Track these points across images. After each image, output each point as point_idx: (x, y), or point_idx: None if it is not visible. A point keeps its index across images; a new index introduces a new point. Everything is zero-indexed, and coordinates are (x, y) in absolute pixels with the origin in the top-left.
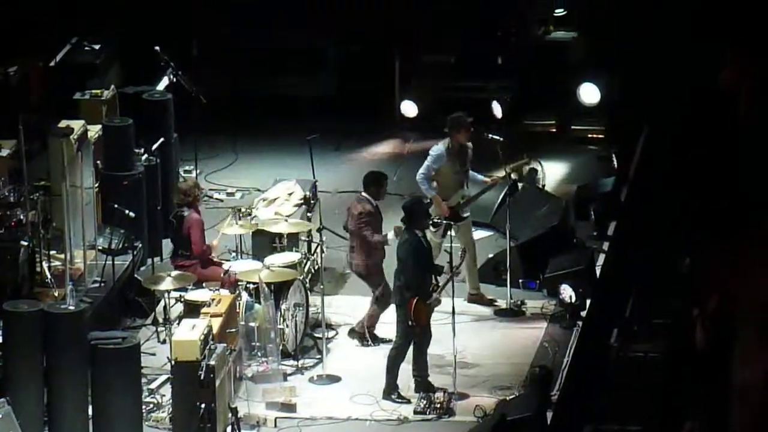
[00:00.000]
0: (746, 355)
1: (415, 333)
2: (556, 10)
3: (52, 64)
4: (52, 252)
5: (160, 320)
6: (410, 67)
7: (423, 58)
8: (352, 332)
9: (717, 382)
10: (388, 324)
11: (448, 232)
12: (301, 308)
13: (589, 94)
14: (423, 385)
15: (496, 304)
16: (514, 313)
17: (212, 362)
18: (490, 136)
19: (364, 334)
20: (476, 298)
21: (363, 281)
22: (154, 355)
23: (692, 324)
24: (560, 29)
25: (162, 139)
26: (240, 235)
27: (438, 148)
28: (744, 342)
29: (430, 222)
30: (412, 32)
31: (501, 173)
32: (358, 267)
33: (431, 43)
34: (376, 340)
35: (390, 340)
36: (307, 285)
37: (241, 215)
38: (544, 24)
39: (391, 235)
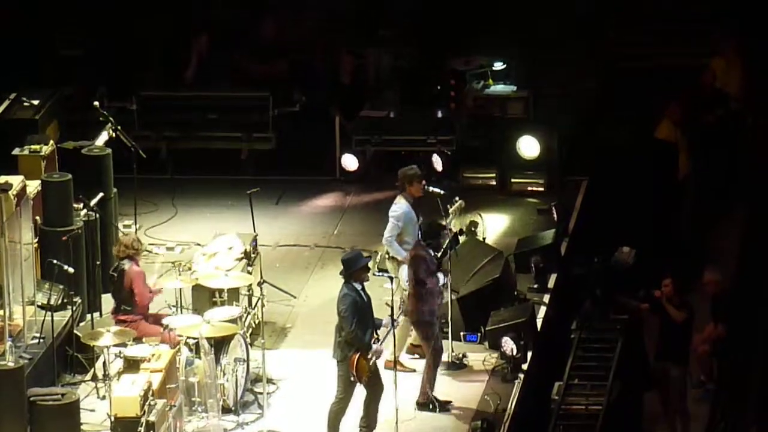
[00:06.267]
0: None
1: (367, 384)
2: (495, 64)
3: None
4: None
5: (100, 376)
6: (350, 122)
7: (362, 112)
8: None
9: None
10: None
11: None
12: (241, 363)
13: (529, 147)
14: None
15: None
16: (455, 366)
17: (152, 418)
18: (431, 189)
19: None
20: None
21: (414, 329)
22: (93, 411)
23: (659, 305)
24: (499, 83)
25: (101, 194)
26: (180, 290)
27: (399, 206)
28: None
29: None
30: (352, 88)
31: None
32: (412, 315)
33: (371, 97)
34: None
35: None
36: (248, 339)
37: (180, 270)
38: (484, 78)
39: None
